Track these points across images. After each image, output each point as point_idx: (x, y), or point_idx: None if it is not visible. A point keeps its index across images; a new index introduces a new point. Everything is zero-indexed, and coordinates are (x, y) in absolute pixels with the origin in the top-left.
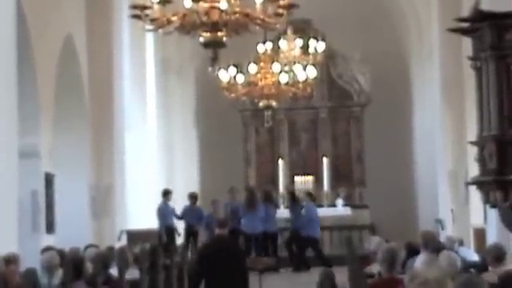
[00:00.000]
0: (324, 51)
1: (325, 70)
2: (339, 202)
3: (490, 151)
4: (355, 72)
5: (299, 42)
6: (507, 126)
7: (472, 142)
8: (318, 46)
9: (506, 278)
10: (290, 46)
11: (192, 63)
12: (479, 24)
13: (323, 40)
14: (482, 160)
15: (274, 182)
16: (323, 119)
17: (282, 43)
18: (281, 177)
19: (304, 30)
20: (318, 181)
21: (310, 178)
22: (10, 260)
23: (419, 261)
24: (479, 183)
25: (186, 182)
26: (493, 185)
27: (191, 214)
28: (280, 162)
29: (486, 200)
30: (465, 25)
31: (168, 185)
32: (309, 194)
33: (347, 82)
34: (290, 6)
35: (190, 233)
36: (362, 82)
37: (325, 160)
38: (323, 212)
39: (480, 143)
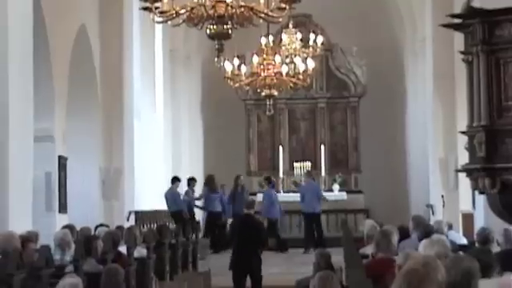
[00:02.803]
0: (323, 44)
1: (324, 63)
2: (335, 187)
3: (480, 140)
4: (352, 64)
5: (300, 35)
6: (496, 117)
7: (462, 132)
8: (317, 39)
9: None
10: (291, 39)
11: (198, 54)
12: (471, 20)
13: (322, 34)
14: (471, 149)
15: (275, 167)
16: (321, 109)
17: (284, 36)
18: (281, 163)
19: (304, 24)
20: (316, 167)
21: (308, 164)
22: (31, 238)
23: (410, 243)
24: (469, 170)
25: (191, 167)
26: (482, 172)
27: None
28: (280, 148)
29: (475, 186)
30: (457, 21)
31: (174, 169)
32: (266, 179)
33: (344, 73)
34: (292, 1)
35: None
36: (358, 74)
37: (322, 147)
38: None
39: (470, 133)
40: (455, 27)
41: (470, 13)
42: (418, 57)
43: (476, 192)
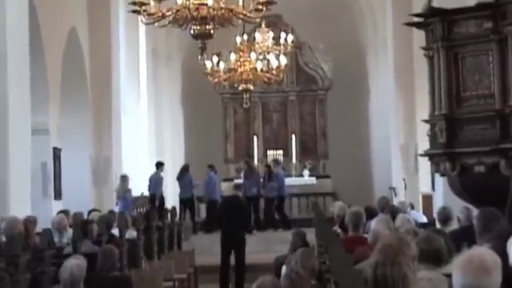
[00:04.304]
0: (293, 42)
1: (293, 59)
2: (306, 172)
3: (441, 128)
4: (319, 60)
5: (272, 34)
6: (455, 106)
7: (425, 120)
8: (287, 37)
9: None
10: (264, 37)
11: (178, 53)
12: (432, 19)
13: (292, 33)
14: (433, 135)
15: (250, 155)
16: (292, 101)
17: (257, 35)
18: (255, 151)
19: (276, 23)
20: (288, 154)
21: (280, 152)
22: (30, 221)
23: (375, 221)
24: (431, 155)
25: (173, 155)
26: (443, 156)
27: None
28: (255, 138)
29: (437, 170)
30: (418, 20)
31: (158, 158)
32: (209, 166)
33: (313, 69)
34: (268, 3)
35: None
36: (325, 69)
37: (293, 136)
38: (292, 181)
39: (432, 121)
40: (417, 25)
41: (431, 12)
42: (379, 53)
43: (436, 175)
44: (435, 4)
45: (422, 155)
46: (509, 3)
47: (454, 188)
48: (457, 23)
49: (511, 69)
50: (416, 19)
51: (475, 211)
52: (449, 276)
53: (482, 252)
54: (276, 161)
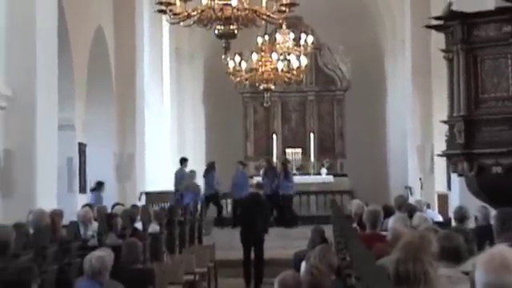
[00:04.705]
0: (313, 43)
1: (313, 60)
2: (323, 171)
3: (459, 129)
4: (338, 62)
5: (292, 35)
6: (474, 108)
7: (443, 121)
8: (307, 39)
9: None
10: (285, 38)
11: (201, 52)
12: (451, 22)
13: (312, 34)
14: (451, 136)
15: (269, 153)
16: (311, 101)
17: (278, 36)
18: (274, 149)
19: (296, 25)
20: (306, 153)
21: (299, 151)
22: (57, 214)
23: (392, 220)
24: (449, 156)
25: (194, 153)
26: (461, 157)
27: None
28: (274, 136)
29: (454, 170)
30: (438, 22)
31: (179, 154)
32: (240, 162)
33: (331, 70)
34: (291, 5)
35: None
36: (344, 70)
37: (311, 135)
38: (310, 179)
39: (450, 122)
40: (437, 28)
41: (451, 15)
42: (397, 55)
43: (453, 175)
44: (455, 7)
45: (440, 155)
46: None
47: (472, 188)
48: (476, 26)
49: None
50: (435, 22)
51: (492, 211)
52: (467, 274)
53: (503, 250)
54: (286, 159)
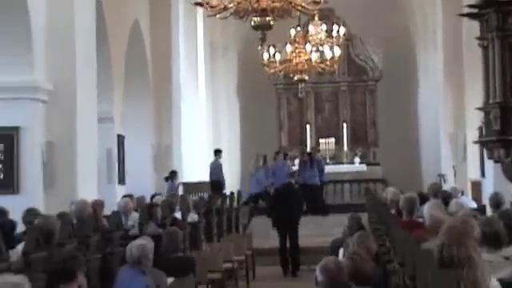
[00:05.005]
0: (344, 35)
1: (345, 51)
2: (356, 159)
3: (495, 115)
4: (370, 52)
5: (324, 27)
6: (509, 95)
7: (479, 108)
8: (339, 30)
9: None
10: (317, 30)
11: (234, 45)
12: (486, 10)
13: (344, 25)
14: (487, 123)
15: (303, 143)
16: (343, 91)
17: (311, 28)
18: (308, 139)
19: (328, 17)
20: (339, 142)
21: (332, 140)
22: (98, 204)
23: (428, 206)
24: (484, 142)
25: (229, 144)
26: (497, 143)
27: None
28: (307, 126)
29: (490, 156)
30: (473, 10)
31: (215, 146)
32: (284, 154)
33: (363, 60)
34: None
35: None
36: (375, 60)
37: (344, 125)
38: (344, 168)
39: (486, 109)
40: (471, 16)
41: (486, 3)
42: (428, 46)
43: (487, 162)
44: None
45: (475, 142)
46: None
47: (508, 174)
48: (511, 14)
49: None
50: (468, 10)
51: None
52: (507, 258)
53: None
54: (314, 149)
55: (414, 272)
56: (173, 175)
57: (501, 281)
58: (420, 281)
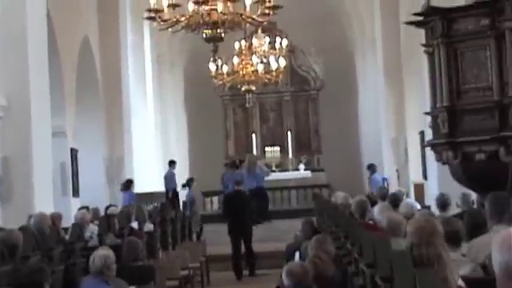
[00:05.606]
0: (287, 46)
1: (287, 62)
2: (301, 166)
3: (443, 119)
4: (311, 63)
5: (268, 39)
6: (456, 99)
7: (427, 113)
8: (282, 42)
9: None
10: (261, 42)
11: (180, 60)
12: (431, 17)
13: (286, 38)
14: (435, 126)
15: (249, 151)
16: (287, 101)
17: (254, 40)
18: (254, 148)
19: (271, 30)
20: (284, 150)
21: (277, 148)
22: (56, 217)
23: (378, 209)
24: (433, 145)
25: (178, 153)
26: (445, 146)
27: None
28: (253, 135)
29: (439, 158)
30: (417, 18)
31: (164, 156)
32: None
33: (305, 71)
34: (274, 7)
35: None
36: (317, 70)
37: (289, 133)
38: (289, 175)
39: (434, 113)
40: (417, 24)
41: (431, 11)
42: (366, 53)
43: (430, 164)
44: (433, 2)
45: (425, 145)
46: (506, 0)
47: (456, 175)
48: (456, 20)
49: (508, 62)
50: (411, 18)
51: (474, 197)
52: (465, 256)
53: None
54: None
55: (389, 273)
56: (190, 183)
57: (463, 277)
58: (397, 281)
